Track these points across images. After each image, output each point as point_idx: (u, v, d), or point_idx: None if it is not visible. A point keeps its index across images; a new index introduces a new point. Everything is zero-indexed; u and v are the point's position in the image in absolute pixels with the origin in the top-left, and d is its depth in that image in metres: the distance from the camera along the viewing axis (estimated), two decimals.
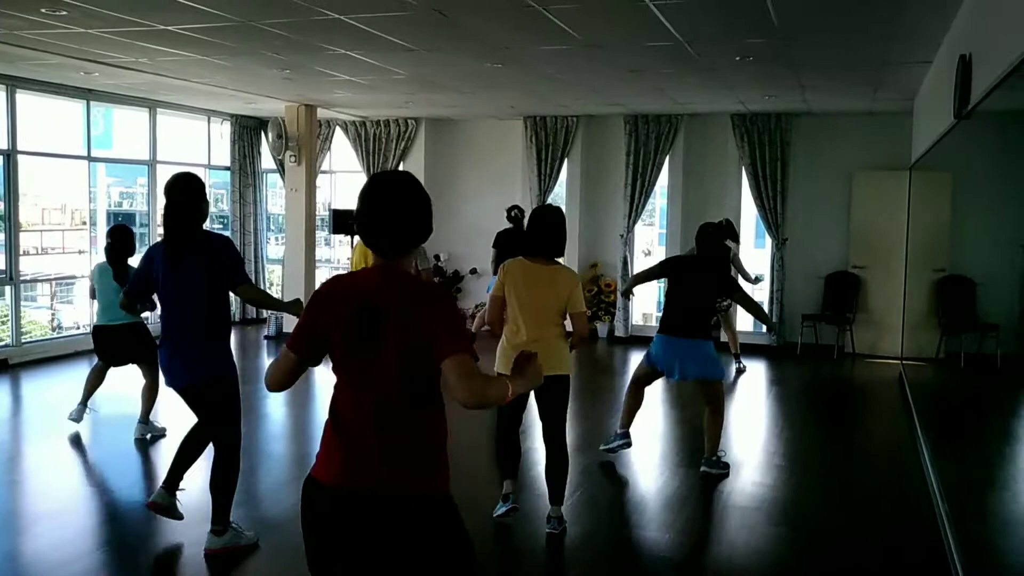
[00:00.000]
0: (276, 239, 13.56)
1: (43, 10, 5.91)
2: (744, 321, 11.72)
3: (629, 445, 6.40)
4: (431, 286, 2.62)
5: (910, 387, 8.38)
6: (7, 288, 9.55)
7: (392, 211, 2.46)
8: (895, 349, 9.97)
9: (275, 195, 13.48)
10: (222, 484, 4.45)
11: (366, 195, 2.49)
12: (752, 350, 10.91)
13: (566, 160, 11.82)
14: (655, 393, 9.03)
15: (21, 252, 9.74)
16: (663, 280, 6.41)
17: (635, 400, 6.37)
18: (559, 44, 6.64)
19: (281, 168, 12.12)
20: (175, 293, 4.36)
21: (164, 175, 11.63)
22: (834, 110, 10.47)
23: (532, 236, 4.75)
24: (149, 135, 11.23)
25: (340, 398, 2.50)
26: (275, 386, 2.59)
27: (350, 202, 12.83)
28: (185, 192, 4.37)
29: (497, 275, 4.85)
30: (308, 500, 2.46)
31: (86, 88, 9.85)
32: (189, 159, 12.33)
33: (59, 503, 5.31)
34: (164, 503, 4.60)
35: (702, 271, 6.02)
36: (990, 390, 5.17)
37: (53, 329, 11.27)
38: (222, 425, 4.46)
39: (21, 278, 9.67)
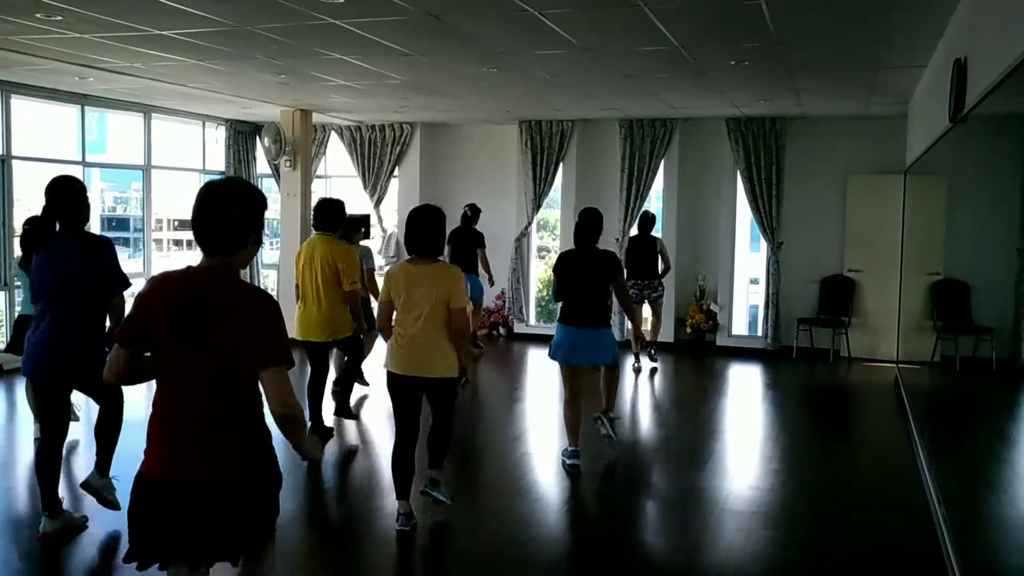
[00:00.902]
0: (271, 244, 13.53)
1: (38, 15, 5.89)
2: (739, 325, 11.75)
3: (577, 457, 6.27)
4: (259, 292, 2.75)
5: (906, 390, 8.39)
6: (1, 293, 9.51)
7: (217, 213, 2.63)
8: (891, 353, 9.98)
9: (270, 200, 13.42)
10: (109, 433, 4.85)
11: (197, 200, 2.66)
12: (747, 354, 10.92)
13: (561, 164, 11.82)
14: (646, 396, 9.04)
15: (15, 257, 9.70)
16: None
17: (575, 414, 6.24)
18: (554, 48, 6.64)
19: (276, 173, 12.11)
20: (50, 288, 4.55)
21: (159, 180, 11.63)
22: (829, 114, 10.49)
23: (407, 236, 4.83)
24: (144, 140, 11.21)
25: (160, 391, 2.68)
26: (113, 378, 2.73)
27: (347, 207, 12.84)
28: (74, 192, 4.61)
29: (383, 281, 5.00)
30: (135, 494, 2.67)
31: (81, 93, 9.84)
32: (184, 164, 12.32)
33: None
34: (96, 484, 4.88)
35: (583, 262, 6.16)
36: (985, 393, 5.17)
37: None
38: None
39: (15, 284, 9.64)
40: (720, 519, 5.32)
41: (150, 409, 2.71)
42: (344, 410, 7.16)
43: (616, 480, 6.18)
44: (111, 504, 4.87)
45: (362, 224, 8.67)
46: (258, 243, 2.73)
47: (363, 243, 8.38)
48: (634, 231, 10.70)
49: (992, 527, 4.26)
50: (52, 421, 4.75)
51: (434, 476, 5.15)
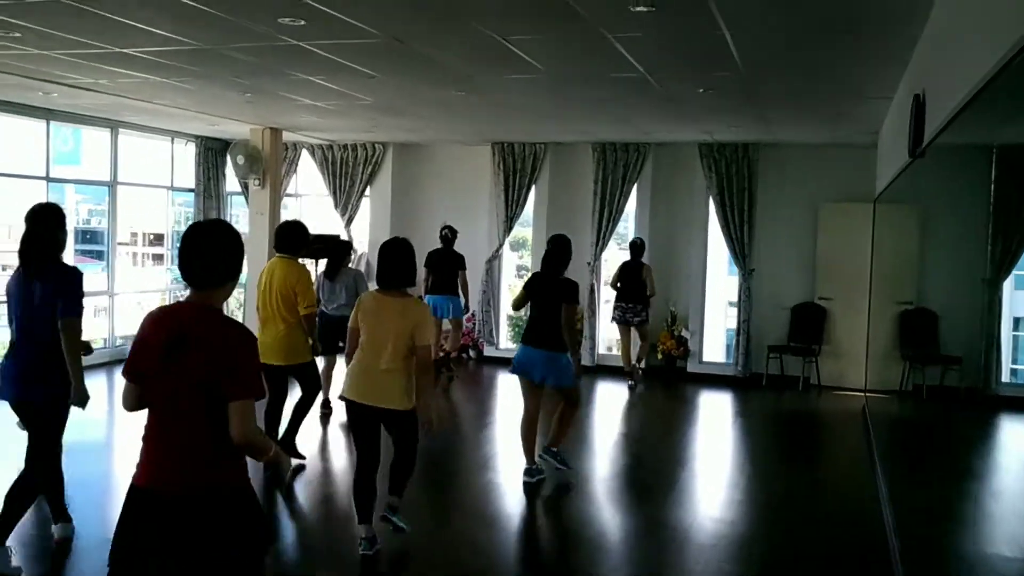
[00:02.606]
0: None
1: None
2: (714, 351, 11.71)
3: (542, 473, 6.48)
4: (237, 327, 2.97)
5: (871, 420, 8.38)
6: None
7: (199, 253, 2.95)
8: (860, 381, 9.97)
9: (240, 217, 13.34)
10: (22, 500, 4.68)
11: (183, 239, 2.98)
12: (718, 381, 10.89)
13: (534, 186, 11.78)
14: (611, 428, 8.97)
15: None
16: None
17: (530, 432, 6.40)
18: (521, 73, 6.61)
19: (246, 190, 12.00)
20: (27, 319, 4.58)
21: (125, 196, 11.49)
22: (800, 141, 10.52)
23: (379, 269, 4.88)
24: (111, 155, 11.07)
25: (150, 414, 2.97)
26: (128, 408, 3.06)
27: (317, 226, 12.74)
28: (44, 223, 4.61)
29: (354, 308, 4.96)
30: (126, 500, 2.95)
31: (46, 108, 9.71)
32: (152, 180, 12.19)
33: None
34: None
35: (546, 287, 6.27)
36: (949, 424, 5.15)
37: None
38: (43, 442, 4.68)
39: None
40: (680, 552, 5.25)
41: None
42: (290, 447, 6.61)
43: (579, 509, 6.10)
44: None
45: (349, 249, 8.71)
46: (235, 281, 3.03)
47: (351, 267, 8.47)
48: (626, 256, 10.79)
49: (945, 561, 4.23)
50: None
51: (392, 503, 5.09)
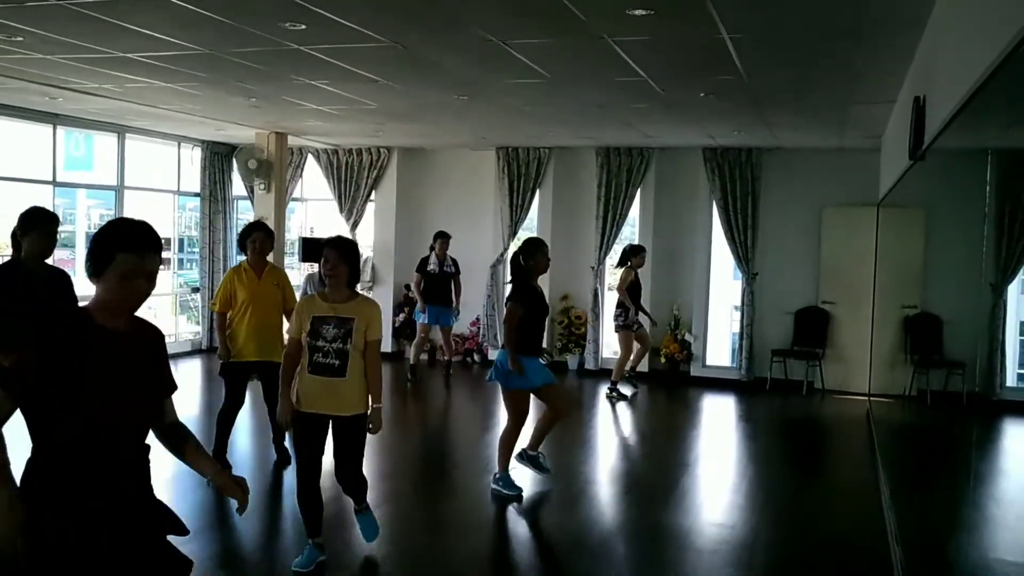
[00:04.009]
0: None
1: None
2: (720, 355, 11.69)
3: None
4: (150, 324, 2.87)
5: (875, 425, 8.35)
6: None
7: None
8: (864, 385, 9.94)
9: (246, 221, 13.36)
10: None
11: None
12: (721, 385, 10.87)
13: (538, 191, 11.80)
14: (610, 432, 8.94)
15: None
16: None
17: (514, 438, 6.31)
18: (523, 78, 6.62)
19: (252, 194, 12.04)
20: None
21: (132, 201, 11.54)
22: (804, 146, 10.52)
23: (323, 267, 4.60)
24: (117, 160, 11.13)
25: None
26: None
27: (322, 230, 12.79)
28: (56, 224, 5.02)
29: (293, 318, 4.71)
30: None
31: (52, 112, 9.76)
32: (159, 184, 12.24)
33: None
34: None
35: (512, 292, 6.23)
36: (952, 429, 5.13)
37: None
38: None
39: None
40: (680, 557, 5.24)
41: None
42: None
43: (580, 514, 6.09)
44: None
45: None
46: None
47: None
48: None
49: (950, 568, 4.21)
50: None
51: (359, 508, 5.03)
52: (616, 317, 10.01)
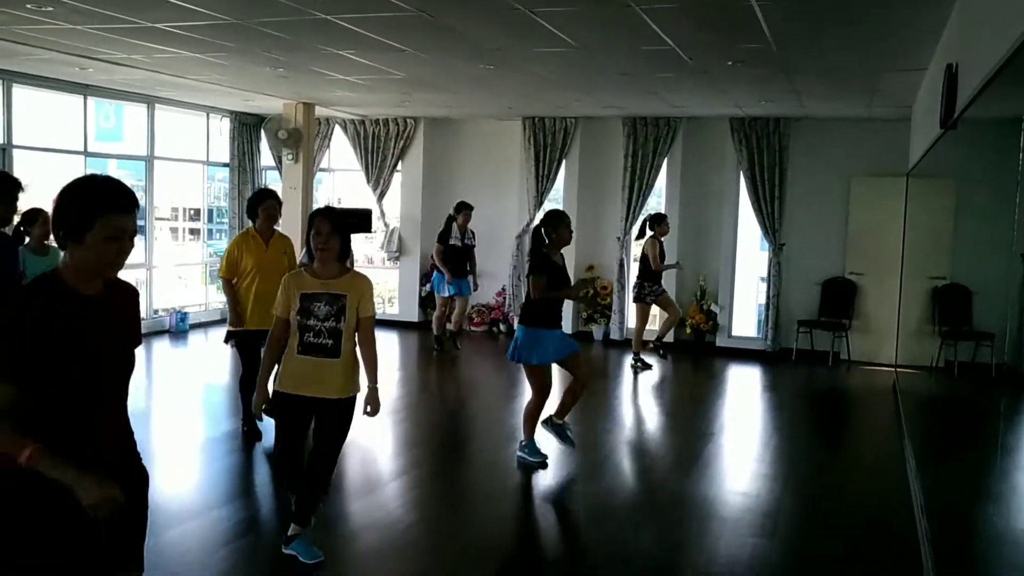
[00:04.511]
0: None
1: (28, 6, 5.89)
2: (746, 326, 11.65)
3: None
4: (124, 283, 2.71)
5: (901, 396, 8.32)
6: None
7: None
8: (891, 357, 9.90)
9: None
10: None
11: None
12: (747, 355, 10.87)
13: (564, 161, 11.77)
14: (635, 402, 8.98)
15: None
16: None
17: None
18: (549, 46, 6.60)
19: (280, 165, 12.11)
20: None
21: (162, 171, 11.65)
22: (832, 115, 10.40)
23: (311, 240, 4.26)
24: (147, 131, 11.23)
25: None
26: None
27: (349, 200, 12.85)
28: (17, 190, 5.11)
29: (279, 294, 4.32)
30: None
31: (83, 83, 9.85)
32: (188, 155, 12.34)
33: None
34: None
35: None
36: (979, 401, 5.11)
37: None
38: None
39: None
40: (704, 525, 5.28)
41: None
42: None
43: (603, 482, 6.15)
44: None
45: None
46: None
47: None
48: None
49: (973, 541, 4.22)
50: None
51: (293, 533, 4.37)
52: (636, 287, 10.03)
